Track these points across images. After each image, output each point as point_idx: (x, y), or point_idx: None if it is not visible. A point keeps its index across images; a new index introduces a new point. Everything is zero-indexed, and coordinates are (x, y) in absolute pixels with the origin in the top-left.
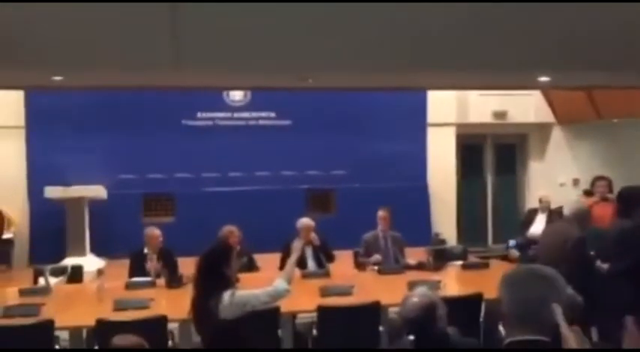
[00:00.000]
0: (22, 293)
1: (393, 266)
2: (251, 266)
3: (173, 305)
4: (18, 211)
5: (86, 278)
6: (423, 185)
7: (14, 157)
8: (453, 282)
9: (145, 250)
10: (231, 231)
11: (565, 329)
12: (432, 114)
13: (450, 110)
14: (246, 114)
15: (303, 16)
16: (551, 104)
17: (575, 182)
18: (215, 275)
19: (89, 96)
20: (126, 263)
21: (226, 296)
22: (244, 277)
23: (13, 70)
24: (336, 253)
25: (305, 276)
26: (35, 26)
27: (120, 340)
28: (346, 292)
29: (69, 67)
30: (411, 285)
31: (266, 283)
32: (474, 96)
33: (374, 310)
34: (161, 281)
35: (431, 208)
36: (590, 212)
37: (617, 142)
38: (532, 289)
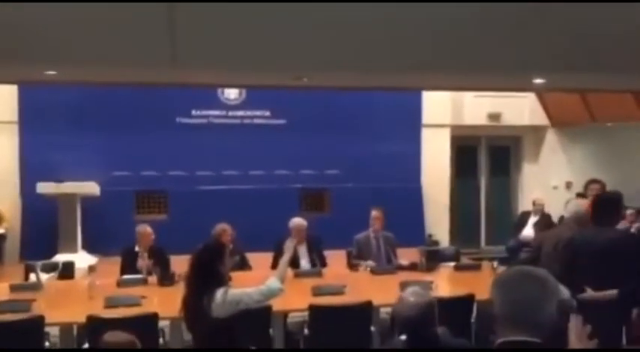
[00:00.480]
0: (13, 288)
1: (385, 266)
2: (243, 265)
3: (164, 303)
4: (10, 207)
5: (77, 274)
6: (416, 186)
7: (7, 152)
8: (445, 283)
9: (137, 248)
10: (224, 230)
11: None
12: (427, 116)
13: (444, 111)
14: (240, 113)
15: (299, 15)
16: (545, 107)
17: (568, 185)
18: (208, 273)
19: (84, 92)
20: (118, 260)
21: (219, 294)
22: (236, 276)
23: (7, 64)
24: (329, 253)
25: (297, 275)
26: (30, 21)
27: (111, 337)
28: (338, 292)
29: (63, 62)
30: (403, 286)
31: (258, 282)
32: (468, 97)
33: (366, 310)
34: (153, 278)
35: (424, 209)
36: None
37: (610, 146)
38: (524, 290)
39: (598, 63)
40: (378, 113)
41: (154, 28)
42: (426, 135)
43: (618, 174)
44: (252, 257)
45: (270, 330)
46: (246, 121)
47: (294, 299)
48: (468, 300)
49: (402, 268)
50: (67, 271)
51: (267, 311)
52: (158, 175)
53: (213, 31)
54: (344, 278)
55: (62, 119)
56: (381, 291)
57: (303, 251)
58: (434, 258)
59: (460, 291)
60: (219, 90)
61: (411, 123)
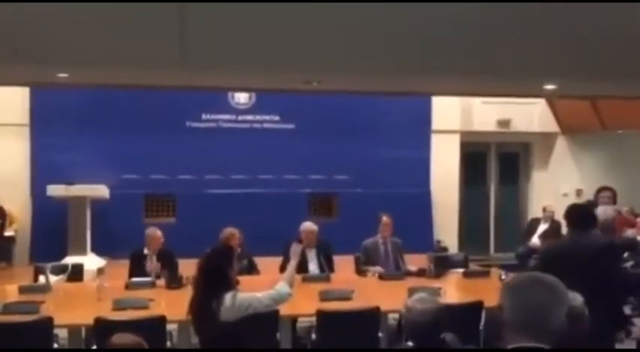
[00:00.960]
0: (22, 290)
1: (393, 272)
2: (251, 269)
3: (172, 305)
4: (20, 209)
5: (86, 277)
6: (425, 192)
7: (18, 155)
8: (453, 290)
9: (145, 251)
10: (232, 234)
11: None
12: (436, 121)
13: (454, 117)
14: (250, 117)
15: (310, 18)
16: (555, 113)
17: (579, 192)
18: (217, 277)
19: (94, 95)
20: (126, 263)
21: (228, 297)
22: (244, 280)
23: (19, 65)
24: (337, 258)
25: (305, 280)
26: (42, 23)
27: (119, 339)
28: (346, 297)
29: (75, 64)
30: (412, 292)
31: (266, 286)
32: (478, 104)
33: (373, 315)
34: (161, 281)
35: (433, 215)
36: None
37: (621, 153)
38: (534, 296)
39: (610, 69)
40: (387, 118)
41: (164, 30)
42: (436, 141)
43: (629, 181)
44: (260, 261)
45: (278, 335)
46: (256, 126)
47: (301, 304)
48: (476, 307)
49: (410, 274)
50: (76, 273)
51: (274, 315)
52: (167, 179)
53: (223, 34)
54: (352, 284)
55: (73, 122)
56: (389, 297)
57: (312, 255)
58: (442, 265)
59: (469, 298)
60: (229, 95)
61: (421, 129)
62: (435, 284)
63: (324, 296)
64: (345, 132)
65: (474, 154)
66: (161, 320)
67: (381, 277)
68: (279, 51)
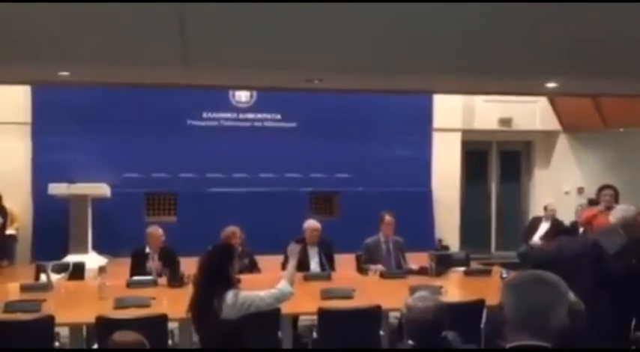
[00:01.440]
0: (24, 289)
1: (395, 270)
2: (253, 268)
3: (174, 304)
4: (22, 207)
5: (88, 275)
6: (427, 190)
7: (19, 153)
8: (454, 288)
9: (147, 249)
10: (233, 232)
11: None
12: (438, 120)
13: (455, 116)
14: (251, 116)
15: (311, 17)
16: (557, 112)
17: (580, 190)
18: (219, 275)
19: (95, 94)
20: (127, 261)
21: (229, 296)
22: (246, 278)
23: (21, 64)
24: (339, 256)
25: (307, 278)
26: (43, 22)
27: (120, 336)
28: (347, 295)
29: (76, 63)
30: (413, 290)
31: (268, 285)
32: (479, 102)
33: (375, 314)
34: (162, 280)
35: (434, 214)
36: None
37: (623, 151)
38: (534, 294)
39: (612, 67)
40: (388, 117)
41: (165, 28)
42: (437, 139)
43: (631, 179)
44: (262, 260)
45: (279, 333)
46: (257, 124)
47: (303, 303)
48: (478, 305)
49: (411, 272)
50: (77, 272)
51: (276, 314)
52: (168, 177)
53: (224, 33)
54: (353, 282)
55: (74, 121)
56: (391, 295)
57: (314, 253)
58: (444, 263)
59: (470, 296)
60: (230, 93)
61: (422, 128)
62: (436, 282)
63: (326, 295)
64: (347, 130)
65: (476, 152)
66: (162, 319)
67: (383, 275)
68: (281, 49)
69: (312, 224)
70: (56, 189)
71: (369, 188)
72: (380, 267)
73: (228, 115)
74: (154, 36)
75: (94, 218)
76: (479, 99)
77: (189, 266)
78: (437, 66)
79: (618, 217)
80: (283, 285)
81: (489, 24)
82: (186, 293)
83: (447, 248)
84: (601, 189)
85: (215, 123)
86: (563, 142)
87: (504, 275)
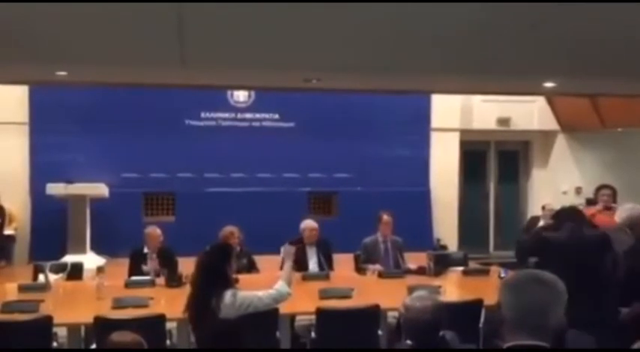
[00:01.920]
0: (22, 289)
1: (393, 270)
2: (251, 268)
3: (172, 304)
4: (20, 207)
5: (86, 275)
6: (425, 190)
7: (17, 153)
8: (453, 288)
9: (145, 249)
10: (231, 232)
11: None
12: (436, 120)
13: (453, 116)
14: (249, 116)
15: (309, 17)
16: (555, 112)
17: (578, 190)
18: (216, 274)
19: (93, 93)
20: (126, 261)
21: (228, 295)
22: (244, 278)
23: (18, 64)
24: (337, 256)
25: (305, 278)
26: (41, 21)
27: (118, 336)
28: (346, 295)
29: (73, 63)
30: (411, 290)
31: (266, 285)
32: (477, 102)
33: (373, 313)
34: (160, 280)
35: (433, 213)
36: None
37: (621, 151)
38: (532, 294)
39: (609, 67)
40: (387, 117)
41: (163, 28)
42: (435, 139)
43: (629, 179)
44: (260, 260)
45: (277, 333)
46: (255, 124)
47: (301, 302)
48: (476, 305)
49: (410, 272)
50: (75, 272)
51: (274, 313)
52: (167, 177)
53: (222, 32)
54: (351, 282)
55: (72, 120)
56: (389, 295)
57: (312, 253)
58: (442, 263)
59: (468, 296)
60: (229, 93)
61: (420, 127)
62: (434, 282)
63: (324, 295)
64: (345, 130)
65: (474, 152)
66: (161, 319)
67: (381, 275)
68: (279, 49)
69: (309, 224)
70: (54, 189)
71: (367, 188)
72: (378, 267)
73: (227, 115)
74: (152, 36)
75: (92, 218)
76: (477, 99)
77: (187, 266)
78: (435, 66)
79: (624, 217)
80: (281, 286)
81: (488, 24)
82: (184, 293)
83: (445, 247)
84: (599, 188)
85: (213, 123)
86: (561, 142)
87: (502, 275)
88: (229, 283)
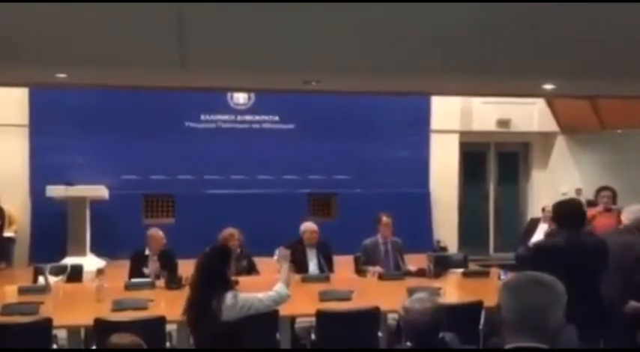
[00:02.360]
0: (22, 291)
1: (393, 272)
2: (251, 270)
3: (172, 306)
4: (20, 209)
5: (86, 277)
6: (425, 191)
7: (17, 155)
8: (453, 290)
9: (147, 251)
10: (231, 234)
11: None
12: (436, 121)
13: (453, 117)
14: (249, 118)
15: (308, 19)
16: (554, 113)
17: (578, 192)
18: (216, 276)
19: (94, 95)
20: (126, 263)
21: (229, 297)
22: (244, 280)
23: (18, 66)
24: (337, 258)
25: (305, 280)
26: (41, 23)
27: (118, 339)
28: (346, 297)
29: (73, 65)
30: (411, 292)
31: (266, 287)
32: (477, 103)
33: (373, 315)
34: (160, 282)
35: (433, 215)
36: None
37: (620, 153)
38: (532, 296)
39: (608, 69)
40: (386, 118)
41: (163, 30)
42: (435, 140)
43: (628, 180)
44: (259, 261)
45: (277, 335)
46: (255, 126)
47: (301, 304)
48: (476, 307)
49: (410, 274)
50: (75, 274)
51: (274, 315)
52: (167, 179)
53: (222, 35)
54: (351, 284)
55: (72, 122)
56: (389, 297)
57: (312, 255)
58: (442, 264)
59: (468, 298)
60: (228, 95)
61: (420, 129)
62: (434, 284)
63: (324, 297)
64: (345, 132)
65: (474, 154)
66: (160, 321)
67: (381, 277)
68: (278, 51)
69: (309, 226)
70: (54, 191)
71: (367, 189)
72: (378, 269)
73: (226, 117)
74: (153, 38)
75: (92, 220)
76: (477, 101)
77: (187, 268)
78: (434, 68)
79: (632, 218)
80: (280, 288)
81: (488, 24)
82: (184, 295)
83: (445, 249)
84: (599, 190)
85: (213, 125)
86: (561, 144)
87: (502, 277)
88: (229, 285)
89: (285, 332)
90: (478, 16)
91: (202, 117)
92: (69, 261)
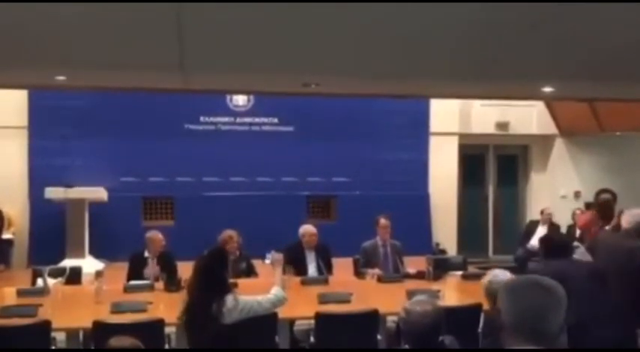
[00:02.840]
0: (20, 293)
1: (392, 274)
2: (250, 272)
3: (171, 308)
4: (18, 211)
5: (84, 280)
6: (424, 194)
7: (16, 157)
8: (452, 292)
9: (146, 253)
10: (230, 236)
11: None
12: (435, 124)
13: (452, 120)
14: (248, 120)
15: (308, 21)
16: (554, 116)
17: (577, 194)
18: (216, 279)
19: (93, 98)
20: (125, 265)
21: (229, 300)
22: (243, 283)
23: (17, 68)
24: (336, 260)
25: (304, 283)
26: (40, 26)
27: (116, 341)
28: (345, 299)
29: (72, 67)
30: (410, 294)
31: (265, 289)
32: (476, 106)
33: (372, 318)
34: (159, 284)
35: (432, 217)
36: None
37: (619, 155)
38: (531, 298)
39: (607, 71)
40: (385, 121)
41: (162, 33)
42: (434, 143)
43: (627, 183)
44: (258, 264)
45: (276, 337)
46: (254, 128)
47: (300, 307)
48: (475, 310)
49: (409, 276)
50: (74, 276)
51: (273, 318)
52: (166, 181)
53: (221, 37)
54: (350, 286)
55: (71, 124)
56: (388, 300)
57: (311, 258)
58: (441, 267)
59: (467, 300)
60: (228, 97)
61: (419, 132)
62: (433, 286)
63: (323, 299)
64: (344, 134)
65: (473, 156)
66: (159, 323)
67: (380, 279)
68: (278, 54)
69: (309, 229)
70: (53, 193)
71: (366, 192)
72: (377, 271)
73: (226, 119)
74: (152, 40)
75: (91, 222)
76: (476, 104)
77: (187, 270)
78: (433, 70)
79: (633, 222)
80: (277, 291)
81: (486, 29)
82: (183, 297)
83: (444, 252)
84: (599, 193)
85: (212, 127)
86: (560, 146)
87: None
88: (227, 288)
89: (284, 334)
90: (477, 18)
91: (201, 119)
92: (68, 263)
